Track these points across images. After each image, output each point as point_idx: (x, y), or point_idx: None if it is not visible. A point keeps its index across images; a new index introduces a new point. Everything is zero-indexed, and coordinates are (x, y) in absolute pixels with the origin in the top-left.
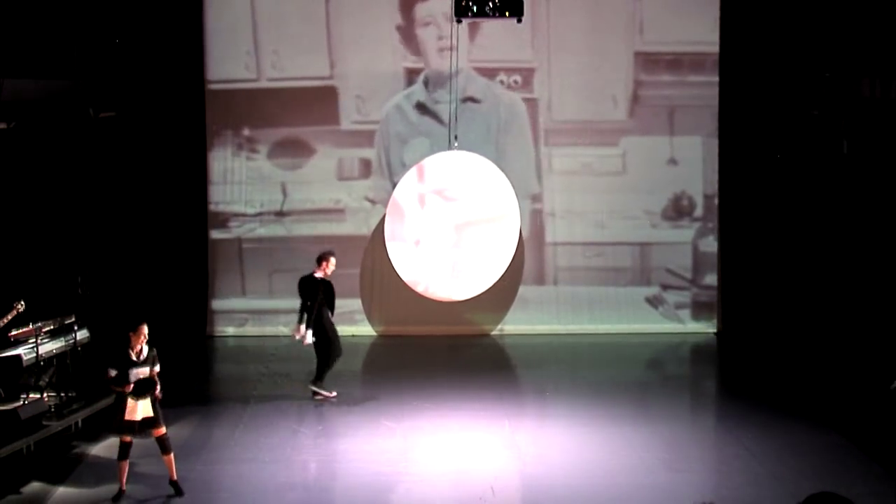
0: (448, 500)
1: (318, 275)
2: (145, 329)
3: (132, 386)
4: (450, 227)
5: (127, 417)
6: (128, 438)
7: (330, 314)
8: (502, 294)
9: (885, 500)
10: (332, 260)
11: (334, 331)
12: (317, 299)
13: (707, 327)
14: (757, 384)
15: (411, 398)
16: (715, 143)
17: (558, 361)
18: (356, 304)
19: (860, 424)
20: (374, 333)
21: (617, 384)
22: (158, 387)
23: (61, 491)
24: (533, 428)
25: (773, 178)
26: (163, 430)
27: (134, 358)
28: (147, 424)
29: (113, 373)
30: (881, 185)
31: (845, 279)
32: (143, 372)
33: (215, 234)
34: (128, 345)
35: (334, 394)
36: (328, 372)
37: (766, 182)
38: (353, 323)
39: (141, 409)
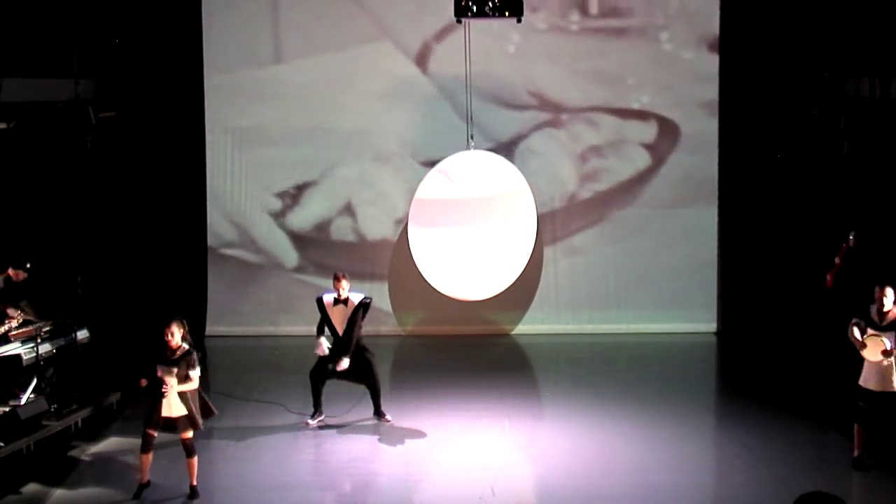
0: (448, 500)
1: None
2: (173, 327)
3: (144, 382)
4: (467, 225)
5: (164, 414)
6: (153, 433)
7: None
8: (505, 294)
9: (884, 499)
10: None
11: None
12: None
13: (707, 327)
14: (757, 383)
15: (412, 398)
16: (714, 143)
17: (558, 361)
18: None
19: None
20: (374, 333)
21: (617, 384)
22: (165, 388)
23: (61, 491)
24: (533, 428)
25: (773, 178)
26: (190, 433)
27: (168, 355)
28: (179, 424)
29: (159, 372)
30: (881, 185)
31: (845, 278)
32: (171, 371)
33: (215, 232)
34: (164, 342)
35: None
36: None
37: (765, 182)
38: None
39: (174, 406)
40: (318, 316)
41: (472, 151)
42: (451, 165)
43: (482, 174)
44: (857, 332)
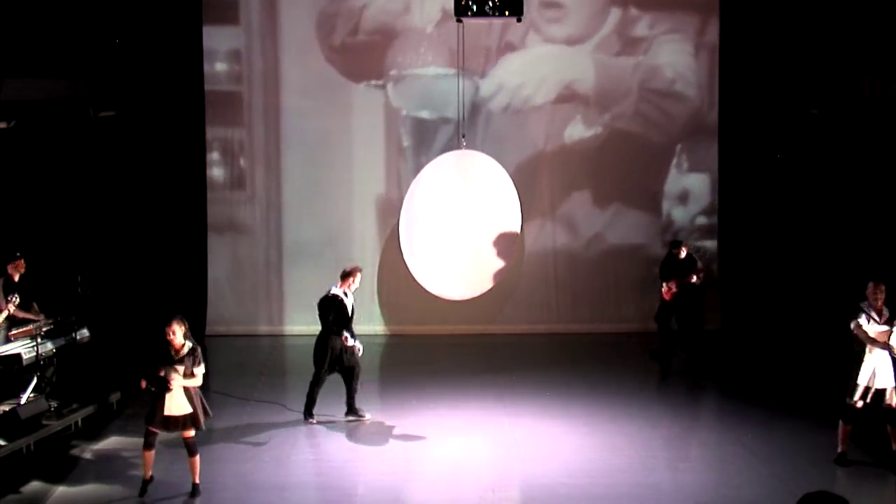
0: (448, 500)
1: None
2: (174, 326)
3: (144, 384)
4: (453, 227)
5: (166, 413)
6: (155, 430)
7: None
8: (502, 293)
9: (884, 499)
10: (359, 276)
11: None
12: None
13: (707, 327)
14: (757, 382)
15: (411, 397)
16: (714, 142)
17: (558, 360)
18: None
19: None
20: (374, 332)
21: (617, 383)
22: (171, 382)
23: (61, 490)
24: (533, 427)
25: (773, 177)
26: (192, 432)
27: (172, 354)
28: (182, 422)
29: (162, 372)
30: (881, 184)
31: (845, 277)
32: (177, 369)
33: (214, 234)
34: (167, 341)
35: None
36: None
37: (765, 181)
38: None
39: (177, 404)
40: (314, 318)
41: (463, 151)
42: (443, 163)
43: (471, 174)
44: (870, 331)
